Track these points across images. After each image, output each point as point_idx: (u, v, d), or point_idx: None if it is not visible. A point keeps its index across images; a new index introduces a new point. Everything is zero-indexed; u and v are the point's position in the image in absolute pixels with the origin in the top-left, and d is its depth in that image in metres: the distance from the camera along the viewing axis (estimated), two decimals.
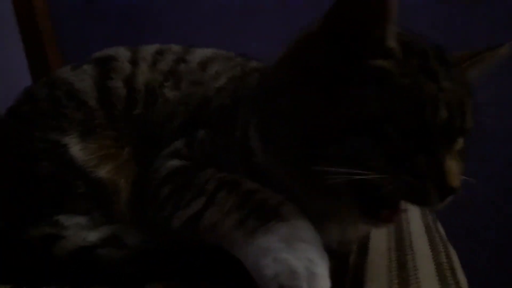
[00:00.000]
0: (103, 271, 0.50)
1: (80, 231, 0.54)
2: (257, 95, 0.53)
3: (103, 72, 0.61)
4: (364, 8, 0.42)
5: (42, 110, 0.59)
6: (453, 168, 0.43)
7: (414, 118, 0.42)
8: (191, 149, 0.55)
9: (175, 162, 0.54)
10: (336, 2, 0.42)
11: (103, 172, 0.55)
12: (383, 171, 0.42)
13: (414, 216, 0.71)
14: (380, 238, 0.61)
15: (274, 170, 0.49)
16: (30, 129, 0.57)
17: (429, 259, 0.57)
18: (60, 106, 0.58)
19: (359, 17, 0.42)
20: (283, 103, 0.47)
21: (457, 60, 0.50)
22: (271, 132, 0.48)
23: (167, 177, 0.53)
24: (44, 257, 0.51)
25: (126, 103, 0.59)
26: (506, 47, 0.51)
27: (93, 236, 0.54)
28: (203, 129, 0.56)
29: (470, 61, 0.51)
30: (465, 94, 0.46)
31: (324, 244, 0.48)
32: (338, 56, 0.44)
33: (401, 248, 0.58)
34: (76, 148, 0.55)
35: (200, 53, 0.67)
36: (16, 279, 0.49)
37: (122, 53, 0.65)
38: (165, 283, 0.48)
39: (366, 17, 0.42)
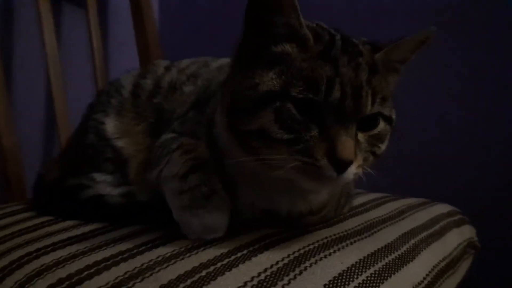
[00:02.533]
0: (107, 211, 0.66)
1: (107, 186, 0.73)
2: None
3: (142, 73, 0.82)
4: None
5: (99, 100, 0.82)
6: (346, 143, 0.50)
7: (309, 96, 0.50)
8: (181, 125, 0.69)
9: (169, 135, 0.69)
10: None
11: (121, 142, 0.74)
12: (282, 145, 0.50)
13: None
14: None
15: (221, 139, 0.59)
16: (90, 112, 0.82)
17: None
18: (109, 96, 0.80)
19: (268, 6, 0.52)
20: (228, 80, 0.59)
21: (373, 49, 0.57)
22: (221, 104, 0.59)
23: (159, 145, 0.68)
24: (72, 199, 0.70)
25: (149, 94, 0.78)
26: (416, 35, 0.58)
27: (114, 191, 0.72)
28: (193, 110, 0.70)
29: (387, 47, 0.57)
30: (366, 82, 0.52)
31: (274, 212, 0.60)
32: (258, 39, 0.54)
33: None
34: (109, 125, 0.75)
35: (222, 60, 0.83)
36: (53, 213, 0.69)
37: (163, 62, 0.85)
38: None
39: (272, 6, 0.51)
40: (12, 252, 0.55)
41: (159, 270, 0.49)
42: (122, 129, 0.76)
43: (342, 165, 0.50)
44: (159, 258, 0.52)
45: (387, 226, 0.70)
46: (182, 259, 0.52)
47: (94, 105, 0.82)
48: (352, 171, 0.52)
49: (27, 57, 1.21)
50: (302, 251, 0.55)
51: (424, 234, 0.69)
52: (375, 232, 0.66)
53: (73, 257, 0.52)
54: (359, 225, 0.68)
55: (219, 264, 0.50)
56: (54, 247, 0.56)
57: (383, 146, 0.57)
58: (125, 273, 0.48)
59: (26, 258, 0.53)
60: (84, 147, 0.77)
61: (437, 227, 0.74)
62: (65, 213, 0.67)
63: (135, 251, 0.54)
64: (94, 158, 0.75)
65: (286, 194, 0.60)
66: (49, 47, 1.13)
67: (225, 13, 1.45)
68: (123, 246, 0.55)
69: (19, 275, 0.50)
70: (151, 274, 0.48)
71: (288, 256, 0.53)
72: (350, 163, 0.50)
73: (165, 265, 0.50)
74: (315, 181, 0.52)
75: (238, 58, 0.58)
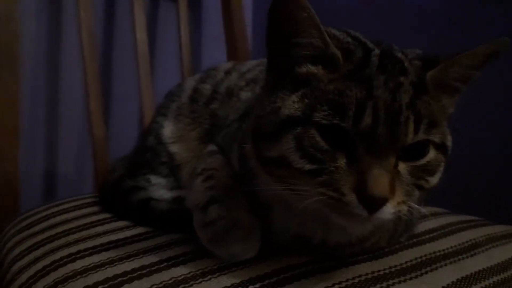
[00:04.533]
0: (152, 216, 0.68)
1: (160, 189, 0.75)
2: None
3: (203, 77, 0.81)
4: (287, 16, 0.47)
5: (164, 102, 0.85)
6: (379, 178, 0.43)
7: (335, 122, 0.45)
8: (223, 137, 0.68)
9: (210, 147, 0.68)
10: (268, 16, 0.48)
11: (175, 147, 0.75)
12: (304, 175, 0.46)
13: None
14: None
15: (250, 161, 0.56)
16: (155, 114, 0.86)
17: None
18: (171, 100, 0.82)
19: (287, 27, 0.48)
20: (256, 102, 0.56)
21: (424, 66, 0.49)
22: (248, 127, 0.56)
23: (203, 156, 0.67)
24: (126, 200, 0.73)
25: (206, 100, 0.77)
26: (482, 47, 0.49)
27: (167, 194, 0.74)
28: (237, 122, 0.67)
29: (443, 64, 0.49)
30: (408, 106, 0.45)
31: (306, 239, 0.56)
32: (281, 60, 0.50)
33: None
34: (166, 129, 0.77)
35: None
36: (111, 211, 0.74)
37: (224, 65, 0.83)
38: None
39: (292, 27, 0.47)
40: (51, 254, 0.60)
41: None
42: (178, 134, 0.77)
43: (374, 203, 0.44)
44: (180, 277, 0.52)
45: (447, 264, 0.60)
46: (201, 281, 0.51)
47: (160, 107, 0.85)
48: (389, 210, 0.45)
49: (120, 51, 1.29)
50: None
51: (496, 278, 0.58)
52: (428, 271, 0.57)
53: (100, 266, 0.55)
54: (411, 260, 0.60)
55: None
56: (92, 251, 0.59)
57: (433, 179, 0.49)
58: None
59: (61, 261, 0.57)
60: (145, 149, 0.80)
61: None
62: (119, 214, 0.71)
63: (155, 267, 0.54)
64: (152, 160, 0.78)
65: (320, 221, 0.55)
66: (140, 42, 1.19)
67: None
68: (148, 260, 0.56)
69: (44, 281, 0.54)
70: None
71: None
72: (384, 201, 0.44)
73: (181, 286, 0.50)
74: (345, 218, 0.47)
75: (265, 80, 0.54)
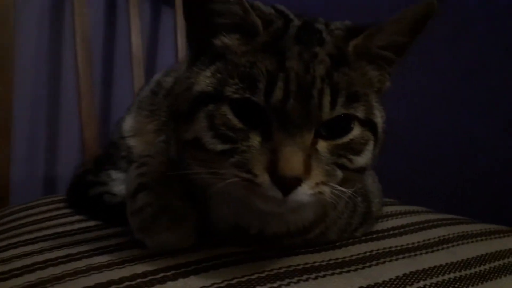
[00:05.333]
0: (104, 210, 0.67)
1: (120, 184, 0.74)
2: None
3: (167, 71, 0.81)
4: None
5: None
6: (290, 156, 0.41)
7: (246, 96, 0.42)
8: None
9: (161, 138, 0.66)
10: None
11: (133, 141, 0.74)
12: (217, 157, 0.44)
13: None
14: None
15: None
16: None
17: None
18: (138, 95, 0.82)
19: None
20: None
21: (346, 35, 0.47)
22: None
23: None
24: (83, 195, 0.73)
25: (166, 92, 0.76)
26: (406, 10, 0.45)
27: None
28: None
29: (366, 32, 0.46)
30: (324, 78, 0.42)
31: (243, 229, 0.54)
32: (197, 32, 0.48)
33: None
34: (126, 123, 0.77)
35: None
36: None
37: None
38: None
39: None
40: None
41: (90, 274, 0.47)
42: (136, 127, 0.76)
43: (286, 184, 0.41)
44: (95, 264, 0.50)
45: (399, 259, 0.55)
46: (115, 268, 0.49)
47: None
48: (305, 191, 0.42)
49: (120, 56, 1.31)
50: (257, 276, 0.48)
51: (453, 275, 0.52)
52: (373, 265, 0.53)
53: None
54: (358, 254, 0.56)
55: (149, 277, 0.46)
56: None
57: (359, 159, 0.46)
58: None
59: None
60: (109, 144, 0.80)
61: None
62: (77, 208, 0.71)
63: (79, 255, 0.53)
64: (113, 155, 0.77)
65: (256, 210, 0.51)
66: (135, 46, 1.20)
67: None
68: (77, 249, 0.55)
69: None
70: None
71: (233, 279, 0.47)
72: (298, 181, 0.41)
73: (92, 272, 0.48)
74: (260, 201, 0.44)
75: (187, 56, 0.52)
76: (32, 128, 1.18)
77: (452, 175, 1.13)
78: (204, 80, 0.45)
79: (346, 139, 0.45)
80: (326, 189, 0.44)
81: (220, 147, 0.43)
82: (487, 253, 0.58)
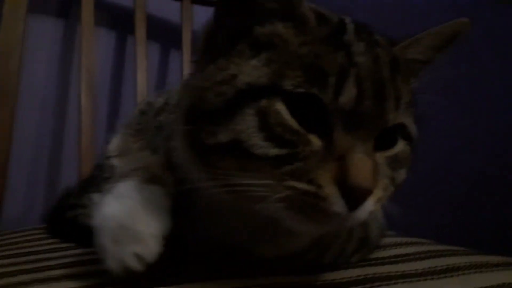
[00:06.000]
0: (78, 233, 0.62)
1: None
2: None
3: (160, 93, 0.78)
4: None
5: None
6: (363, 164, 0.35)
7: (312, 92, 0.36)
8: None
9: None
10: None
11: (116, 161, 0.69)
12: (266, 164, 0.36)
13: None
14: None
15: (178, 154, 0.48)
16: None
17: None
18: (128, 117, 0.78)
19: None
20: (190, 79, 0.47)
21: (389, 43, 0.43)
22: (179, 108, 0.47)
23: None
24: (62, 217, 0.68)
25: (156, 111, 0.73)
26: (443, 27, 0.43)
27: None
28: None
29: (404, 42, 0.43)
30: (391, 79, 0.38)
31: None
32: (235, 20, 0.42)
33: None
34: (112, 143, 0.73)
35: None
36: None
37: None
38: None
39: None
40: None
41: None
42: (121, 147, 0.73)
43: (357, 196, 0.35)
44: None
45: (397, 283, 0.48)
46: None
47: None
48: (369, 206, 0.37)
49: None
50: None
51: None
52: (375, 287, 0.46)
53: None
54: (356, 276, 0.49)
55: None
56: None
57: (404, 173, 0.42)
58: None
59: None
60: (95, 167, 0.76)
61: None
62: (53, 232, 0.66)
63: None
64: (97, 177, 0.73)
65: (246, 227, 0.46)
66: (140, 84, 1.20)
67: None
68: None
69: None
70: None
71: None
72: (368, 193, 0.36)
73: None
74: (316, 220, 0.37)
75: (205, 50, 0.44)
76: (33, 161, 1.17)
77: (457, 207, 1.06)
78: (255, 71, 0.38)
79: (395, 151, 0.41)
80: (378, 207, 0.38)
81: (274, 151, 0.36)
82: (505, 283, 0.50)
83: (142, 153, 0.60)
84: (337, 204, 0.35)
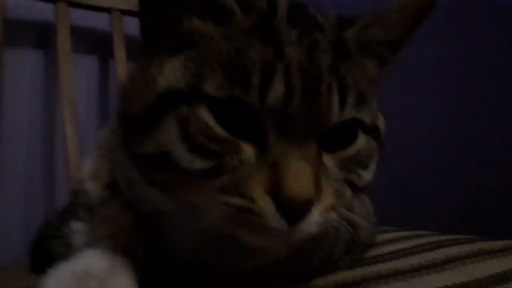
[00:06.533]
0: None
1: (80, 235, 0.66)
2: None
3: None
4: None
5: None
6: (299, 170, 0.31)
7: (234, 94, 0.32)
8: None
9: None
10: None
11: (89, 185, 0.66)
12: (196, 178, 0.33)
13: None
14: None
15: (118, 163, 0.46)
16: None
17: None
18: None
19: None
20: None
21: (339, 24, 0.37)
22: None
23: None
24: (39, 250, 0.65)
25: None
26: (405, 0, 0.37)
27: None
28: None
29: (362, 21, 0.37)
30: (330, 70, 0.33)
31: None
32: (156, 17, 0.38)
33: None
34: (85, 166, 0.69)
35: None
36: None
37: None
38: None
39: None
40: None
41: None
42: (93, 169, 0.69)
43: (295, 209, 0.31)
44: None
45: (398, 281, 0.44)
46: None
47: None
48: (315, 219, 0.32)
49: None
50: None
51: None
52: None
53: None
54: (341, 280, 0.44)
55: None
56: None
57: (366, 174, 0.37)
58: None
59: None
60: (71, 193, 0.73)
61: None
62: (33, 265, 0.63)
63: None
64: (73, 204, 0.70)
65: (214, 243, 0.42)
66: None
67: None
68: None
69: None
70: None
71: None
72: (308, 205, 0.31)
73: None
74: (257, 235, 0.33)
75: (139, 49, 0.41)
76: (26, 195, 1.14)
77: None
78: (172, 73, 0.34)
79: (352, 150, 0.36)
80: (333, 216, 0.34)
81: (200, 164, 0.32)
82: (506, 270, 0.45)
83: (109, 209, 0.55)
84: (273, 219, 0.31)
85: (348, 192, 0.35)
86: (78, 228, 0.64)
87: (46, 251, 0.60)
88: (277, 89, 0.31)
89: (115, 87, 1.22)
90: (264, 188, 0.31)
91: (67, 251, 0.57)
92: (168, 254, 0.45)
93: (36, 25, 1.20)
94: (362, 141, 0.36)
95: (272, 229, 0.31)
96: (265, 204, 0.31)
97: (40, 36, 1.22)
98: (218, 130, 0.32)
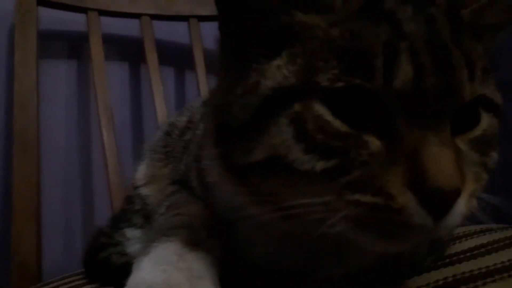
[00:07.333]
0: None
1: (136, 243, 0.64)
2: None
3: (181, 111, 0.73)
4: None
5: None
6: (442, 157, 0.28)
7: (355, 82, 0.29)
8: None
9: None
10: None
11: (147, 189, 0.64)
12: (317, 180, 0.30)
13: None
14: None
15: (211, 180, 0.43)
16: None
17: None
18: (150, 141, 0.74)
19: None
20: (213, 96, 0.42)
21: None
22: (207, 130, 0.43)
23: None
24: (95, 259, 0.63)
25: (181, 131, 0.67)
26: None
27: None
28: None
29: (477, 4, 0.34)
30: (456, 42, 0.30)
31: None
32: (245, 19, 0.35)
33: None
34: (139, 172, 0.68)
35: None
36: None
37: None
38: None
39: None
40: None
41: None
42: (150, 174, 0.67)
43: (443, 200, 0.28)
44: None
45: (495, 280, 0.40)
46: None
47: None
48: (461, 209, 0.29)
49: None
50: None
51: None
52: None
53: None
54: (434, 282, 0.41)
55: None
56: None
57: (496, 154, 0.34)
58: None
59: None
60: (124, 199, 0.71)
61: None
62: (89, 275, 0.61)
63: None
64: (127, 210, 0.68)
65: (306, 251, 0.39)
66: (159, 110, 1.16)
67: None
68: None
69: None
70: None
71: None
72: (455, 194, 0.28)
73: None
74: (394, 237, 0.30)
75: (221, 64, 0.39)
76: (65, 205, 1.14)
77: None
78: (279, 72, 0.31)
79: (479, 130, 0.33)
80: (474, 204, 0.31)
81: (320, 165, 0.30)
82: None
83: (179, 196, 0.53)
84: (417, 215, 0.28)
85: (485, 176, 0.33)
86: (134, 235, 0.63)
87: (102, 260, 0.58)
88: (405, 71, 0.29)
89: (148, 92, 1.20)
90: (403, 181, 0.28)
91: (124, 259, 0.56)
92: (243, 256, 0.43)
93: (68, 35, 1.21)
94: (486, 119, 0.33)
95: (415, 227, 0.28)
96: (406, 200, 0.28)
97: (73, 46, 1.22)
98: (338, 124, 0.29)
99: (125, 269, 0.50)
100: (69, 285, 0.64)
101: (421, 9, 0.31)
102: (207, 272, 0.37)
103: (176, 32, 1.27)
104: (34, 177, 0.95)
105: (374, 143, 0.29)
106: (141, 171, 0.68)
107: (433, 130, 0.29)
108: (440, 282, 0.41)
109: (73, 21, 1.17)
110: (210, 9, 1.19)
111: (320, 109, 0.30)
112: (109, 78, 1.10)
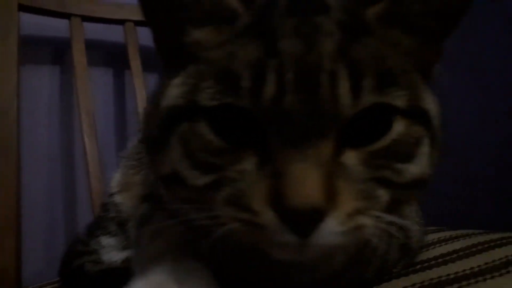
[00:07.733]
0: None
1: (111, 250, 0.64)
2: None
3: None
4: None
5: None
6: (301, 176, 0.28)
7: (227, 101, 0.30)
8: None
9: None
10: None
11: (120, 197, 0.64)
12: (202, 194, 0.32)
13: None
14: None
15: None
16: None
17: None
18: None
19: None
20: None
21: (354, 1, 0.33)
22: None
23: None
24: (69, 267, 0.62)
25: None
26: None
27: (117, 256, 0.62)
28: None
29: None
30: (335, 55, 0.30)
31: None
32: (163, 35, 0.37)
33: None
34: (114, 179, 0.67)
35: None
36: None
37: None
38: None
39: None
40: None
41: None
42: (123, 182, 0.67)
43: (299, 220, 0.28)
44: None
45: (461, 286, 0.40)
46: None
47: None
48: (333, 228, 0.28)
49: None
50: None
51: None
52: None
53: None
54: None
55: None
56: None
57: (411, 167, 0.32)
58: None
59: None
60: (100, 207, 0.70)
61: None
62: (64, 283, 0.61)
63: None
64: (103, 218, 0.67)
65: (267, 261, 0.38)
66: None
67: None
68: None
69: None
70: None
71: None
72: (317, 213, 0.28)
73: None
74: (273, 248, 0.31)
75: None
76: (47, 211, 1.13)
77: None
78: (174, 91, 0.33)
79: (386, 141, 0.31)
80: (367, 221, 0.30)
81: (201, 180, 0.31)
82: None
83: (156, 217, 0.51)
84: (280, 233, 0.28)
85: (381, 192, 0.31)
86: (108, 243, 0.63)
87: (76, 267, 0.58)
88: (269, 89, 0.29)
89: (131, 98, 1.20)
90: (266, 199, 0.28)
91: (98, 267, 0.55)
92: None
93: (50, 41, 1.20)
94: (400, 127, 0.31)
95: (281, 244, 0.29)
96: (268, 217, 0.28)
97: (55, 52, 1.21)
98: (216, 141, 0.31)
99: (99, 277, 0.50)
100: None
101: (307, 19, 0.31)
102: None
103: None
104: (14, 184, 0.94)
105: (250, 160, 0.30)
106: (116, 178, 0.68)
107: (299, 148, 0.28)
108: None
109: (55, 27, 1.16)
110: None
111: (202, 128, 0.31)
112: (93, 84, 1.09)
